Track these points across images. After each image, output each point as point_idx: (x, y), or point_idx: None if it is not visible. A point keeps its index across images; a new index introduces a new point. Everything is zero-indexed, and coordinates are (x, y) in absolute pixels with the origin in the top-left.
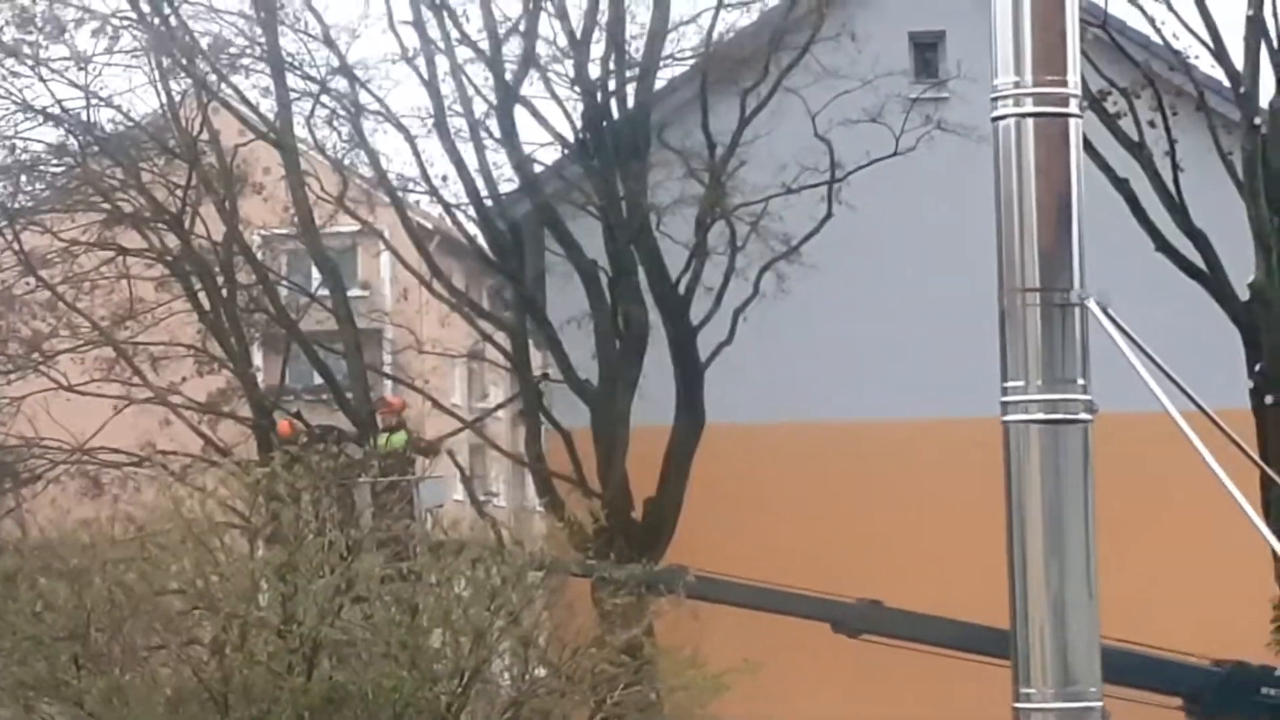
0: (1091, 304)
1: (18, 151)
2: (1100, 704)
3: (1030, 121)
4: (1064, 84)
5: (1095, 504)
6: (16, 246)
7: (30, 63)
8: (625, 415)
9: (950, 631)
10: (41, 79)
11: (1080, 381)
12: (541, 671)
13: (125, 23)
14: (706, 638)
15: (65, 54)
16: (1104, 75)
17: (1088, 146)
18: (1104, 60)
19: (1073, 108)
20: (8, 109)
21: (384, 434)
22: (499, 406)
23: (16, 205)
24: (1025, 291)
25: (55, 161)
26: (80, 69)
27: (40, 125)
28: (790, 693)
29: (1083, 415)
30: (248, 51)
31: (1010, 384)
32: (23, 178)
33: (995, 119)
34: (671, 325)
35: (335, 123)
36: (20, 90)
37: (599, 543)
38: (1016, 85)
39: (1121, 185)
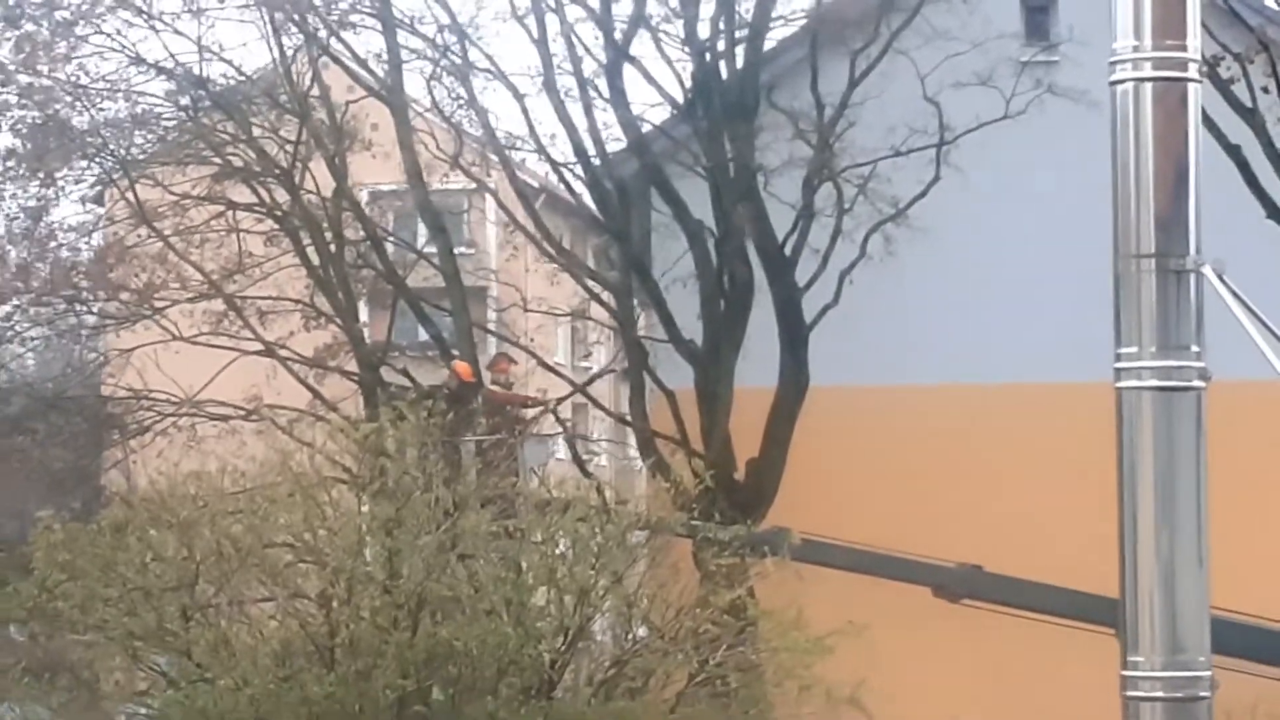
0: (1207, 270)
1: (132, 104)
2: (1209, 673)
3: (1149, 86)
4: (1183, 49)
5: (1207, 471)
6: (129, 198)
7: (144, 16)
8: (729, 376)
9: (1052, 598)
10: (155, 30)
11: (1194, 348)
12: (644, 631)
13: None
14: (807, 600)
15: (178, 7)
16: (1218, 40)
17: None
18: (1218, 25)
19: (1192, 73)
20: (121, 62)
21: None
22: (601, 373)
23: (129, 157)
24: (1140, 257)
25: (167, 115)
26: (192, 21)
27: (153, 79)
28: (890, 656)
29: (1196, 382)
30: (359, 7)
31: (1124, 350)
32: (135, 130)
33: (1113, 83)
34: (777, 286)
35: (445, 80)
36: (134, 43)
37: (702, 503)
38: (1135, 49)
39: (1233, 151)
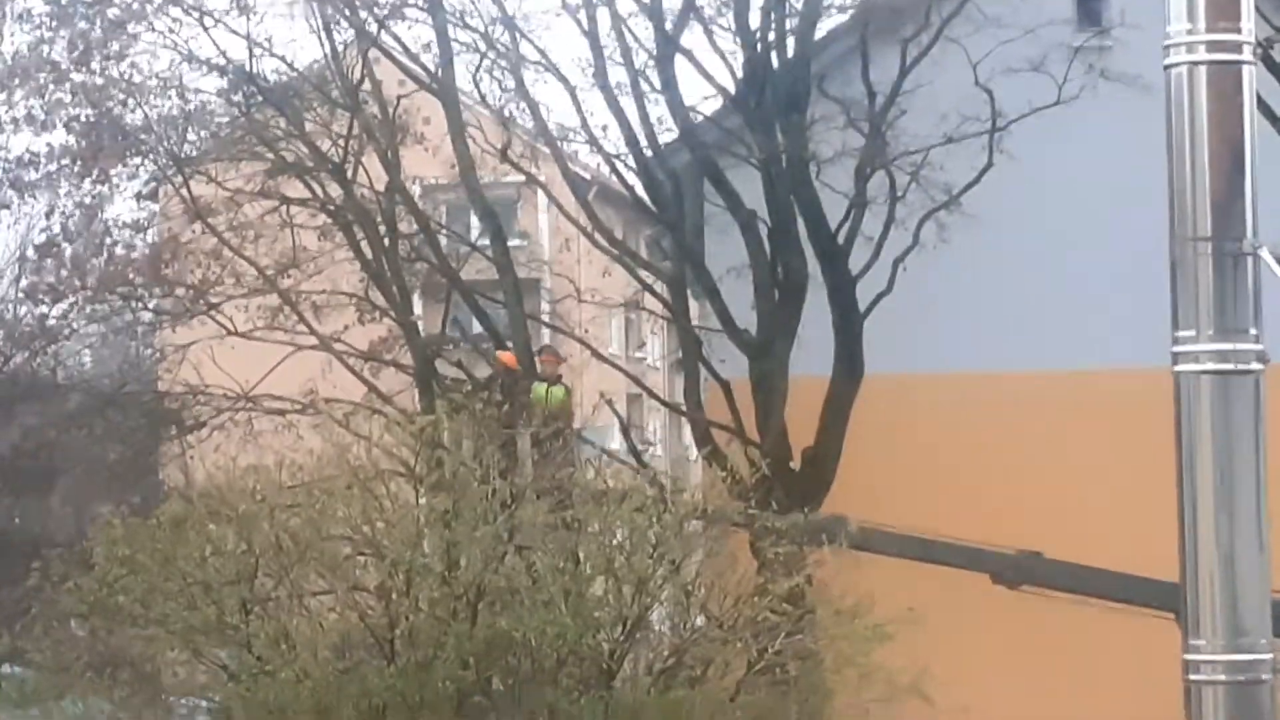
0: (1265, 253)
1: (184, 100)
2: (1271, 656)
3: (1203, 69)
4: (1238, 31)
5: (1267, 455)
6: (183, 194)
7: (195, 13)
8: (784, 365)
9: (1111, 583)
10: (205, 29)
11: (1252, 331)
12: (702, 620)
13: None
14: (866, 588)
15: (227, 4)
16: (1271, 23)
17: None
18: (1271, 8)
19: (1246, 55)
20: (174, 59)
21: (542, 385)
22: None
23: (182, 154)
24: (1197, 240)
25: (220, 111)
26: (242, 18)
27: (206, 75)
28: (950, 643)
29: (1254, 365)
30: (409, 1)
31: (1181, 334)
32: (188, 127)
33: (1167, 66)
34: (830, 275)
35: (496, 73)
36: (186, 40)
37: (759, 492)
38: (1189, 33)
39: None
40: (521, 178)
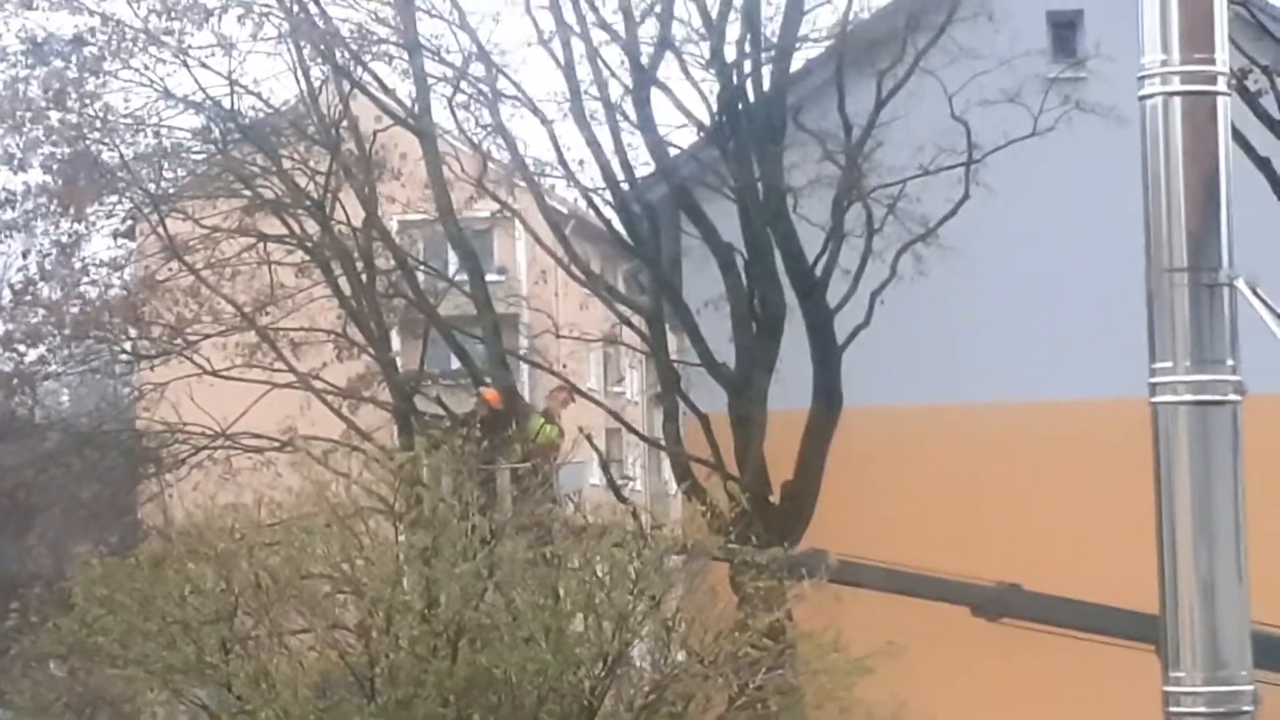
0: (1241, 284)
1: (161, 138)
2: (1251, 687)
3: (1178, 100)
4: (1212, 62)
5: (1244, 485)
6: (160, 232)
7: (173, 50)
8: (762, 398)
9: (1091, 616)
10: (185, 66)
11: (1229, 362)
12: (682, 655)
13: (266, 10)
14: (846, 621)
15: (207, 42)
16: (1245, 53)
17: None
18: (1245, 38)
19: (1220, 86)
20: (151, 96)
21: (539, 420)
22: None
23: (159, 192)
24: (1173, 271)
25: (197, 148)
26: (223, 56)
27: (182, 112)
28: (930, 676)
29: (1232, 396)
30: (386, 38)
31: (1158, 365)
32: (165, 165)
33: (1142, 98)
34: (808, 308)
35: (472, 108)
36: (163, 78)
37: (738, 527)
38: (1164, 64)
39: (1263, 164)
40: (499, 211)
